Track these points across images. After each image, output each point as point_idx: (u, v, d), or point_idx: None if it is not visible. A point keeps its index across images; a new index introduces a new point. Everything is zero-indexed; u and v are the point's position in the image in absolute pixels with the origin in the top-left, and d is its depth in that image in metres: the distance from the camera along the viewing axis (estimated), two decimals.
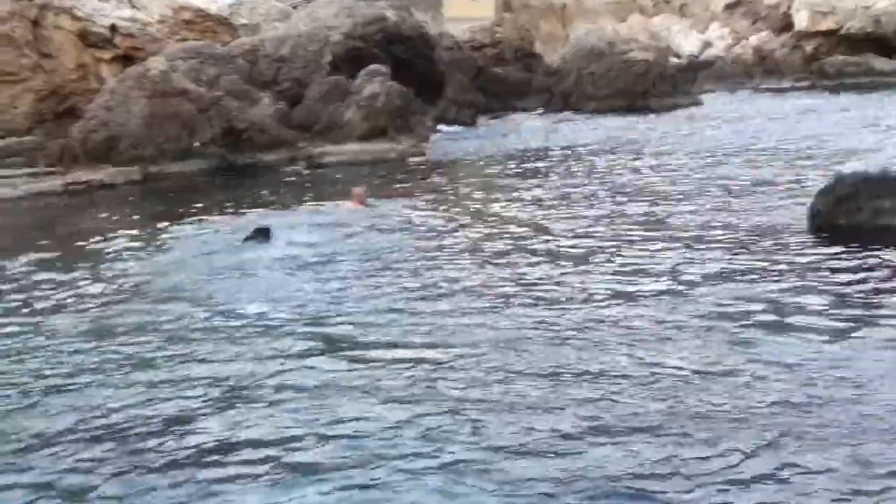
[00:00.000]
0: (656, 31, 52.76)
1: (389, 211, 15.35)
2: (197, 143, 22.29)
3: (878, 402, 6.36)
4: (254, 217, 15.18)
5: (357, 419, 6.41)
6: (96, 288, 10.97)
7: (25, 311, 10.09)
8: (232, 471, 5.78)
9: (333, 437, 6.14)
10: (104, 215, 16.98)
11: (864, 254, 10.50)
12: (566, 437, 6.02)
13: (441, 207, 15.81)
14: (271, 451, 6.00)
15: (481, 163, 22.28)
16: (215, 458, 5.97)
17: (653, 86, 35.64)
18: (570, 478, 5.46)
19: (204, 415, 6.68)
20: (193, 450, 6.09)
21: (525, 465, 5.65)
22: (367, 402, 6.73)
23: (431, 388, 6.97)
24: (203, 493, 5.51)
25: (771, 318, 8.38)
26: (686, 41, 52.77)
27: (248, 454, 6.00)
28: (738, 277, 9.87)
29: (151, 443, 6.25)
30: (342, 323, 8.83)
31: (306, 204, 16.78)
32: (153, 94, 22.36)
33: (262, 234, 13.56)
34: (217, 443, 6.19)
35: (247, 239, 13.47)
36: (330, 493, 5.39)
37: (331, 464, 5.74)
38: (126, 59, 28.49)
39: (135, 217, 16.71)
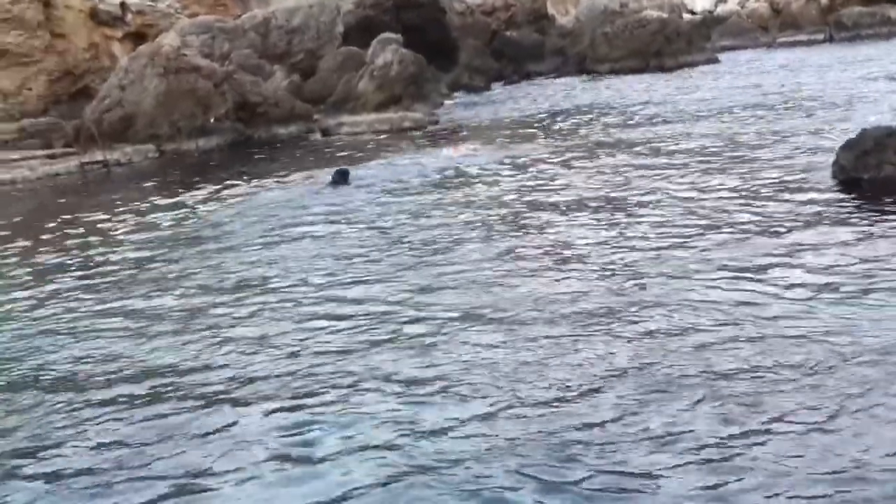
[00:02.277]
0: None
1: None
2: (212, 119, 22.23)
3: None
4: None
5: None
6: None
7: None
8: None
9: None
10: (137, 190, 16.97)
11: (886, 208, 10.37)
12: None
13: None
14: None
15: (495, 127, 22.14)
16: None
17: (668, 44, 35.36)
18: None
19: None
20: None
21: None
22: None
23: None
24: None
25: (792, 272, 8.28)
26: None
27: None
28: (760, 232, 9.77)
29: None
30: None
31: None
32: (167, 71, 22.28)
33: (342, 177, 15.41)
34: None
35: (331, 183, 15.24)
36: None
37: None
38: (138, 37, 28.49)
39: (164, 191, 16.69)
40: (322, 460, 5.53)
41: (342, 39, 30.07)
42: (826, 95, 21.32)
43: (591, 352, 6.87)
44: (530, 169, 15.32)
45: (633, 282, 8.44)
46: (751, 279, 8.20)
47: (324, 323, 8.04)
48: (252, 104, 23.21)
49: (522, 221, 11.41)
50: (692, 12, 50.13)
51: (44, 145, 23.44)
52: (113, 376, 7.24)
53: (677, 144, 16.53)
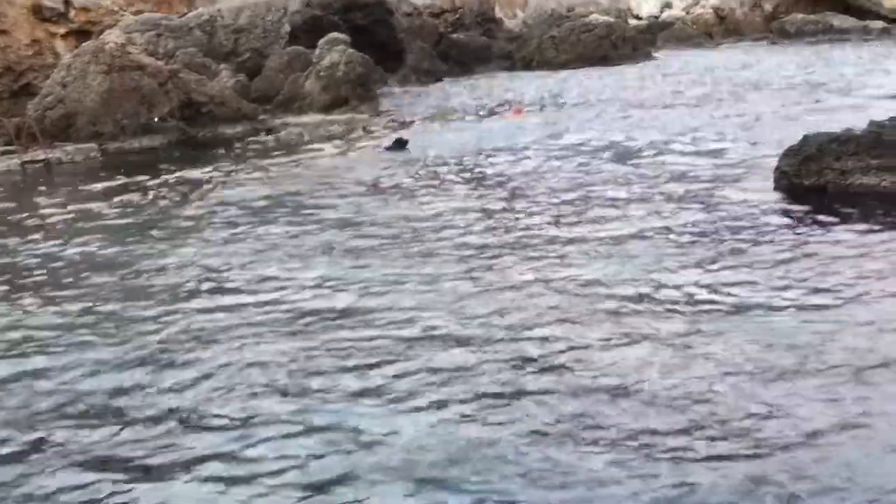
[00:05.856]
0: None
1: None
2: (156, 118, 21.98)
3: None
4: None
5: None
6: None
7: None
8: None
9: None
10: (82, 188, 16.70)
11: (828, 215, 10.51)
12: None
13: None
14: None
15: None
16: None
17: (614, 49, 35.65)
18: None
19: None
20: None
21: None
22: None
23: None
24: None
25: (723, 281, 8.36)
26: (646, 2, 52.70)
27: None
28: (698, 239, 9.84)
29: None
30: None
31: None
32: (110, 68, 21.98)
33: (401, 145, 17.26)
34: None
35: (388, 148, 17.27)
36: None
37: None
38: (81, 34, 28.10)
39: (119, 188, 16.46)
40: None
41: (289, 39, 29.88)
42: (768, 96, 21.60)
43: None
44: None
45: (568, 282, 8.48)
46: (688, 290, 8.24)
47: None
48: (197, 103, 22.98)
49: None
50: (638, 17, 50.46)
51: None
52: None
53: (607, 142, 16.71)
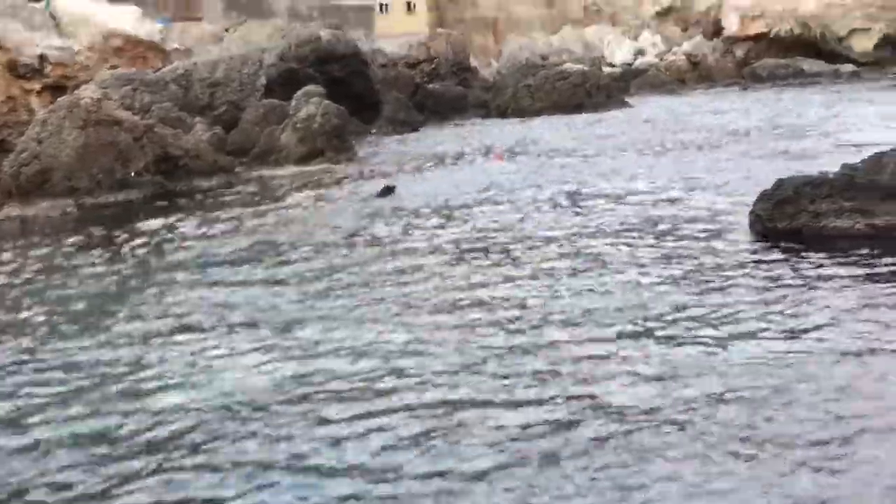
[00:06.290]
0: (590, 42, 53.22)
1: None
2: (132, 173, 21.92)
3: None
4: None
5: None
6: None
7: None
8: None
9: None
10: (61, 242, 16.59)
11: (805, 258, 10.56)
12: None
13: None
14: None
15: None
16: None
17: (588, 96, 35.97)
18: None
19: None
20: None
21: None
22: None
23: None
24: None
25: (695, 325, 8.37)
26: (619, 50, 53.28)
27: None
28: (669, 283, 9.88)
29: None
30: None
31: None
32: (86, 124, 21.94)
33: (389, 191, 17.36)
34: None
35: (378, 195, 17.25)
36: None
37: None
38: (57, 89, 28.11)
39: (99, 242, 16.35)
40: None
41: (265, 92, 30.00)
42: (738, 143, 21.77)
43: None
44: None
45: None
46: (663, 333, 8.25)
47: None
48: (173, 157, 22.94)
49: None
50: (611, 65, 51.00)
51: None
52: None
53: (581, 188, 16.83)
